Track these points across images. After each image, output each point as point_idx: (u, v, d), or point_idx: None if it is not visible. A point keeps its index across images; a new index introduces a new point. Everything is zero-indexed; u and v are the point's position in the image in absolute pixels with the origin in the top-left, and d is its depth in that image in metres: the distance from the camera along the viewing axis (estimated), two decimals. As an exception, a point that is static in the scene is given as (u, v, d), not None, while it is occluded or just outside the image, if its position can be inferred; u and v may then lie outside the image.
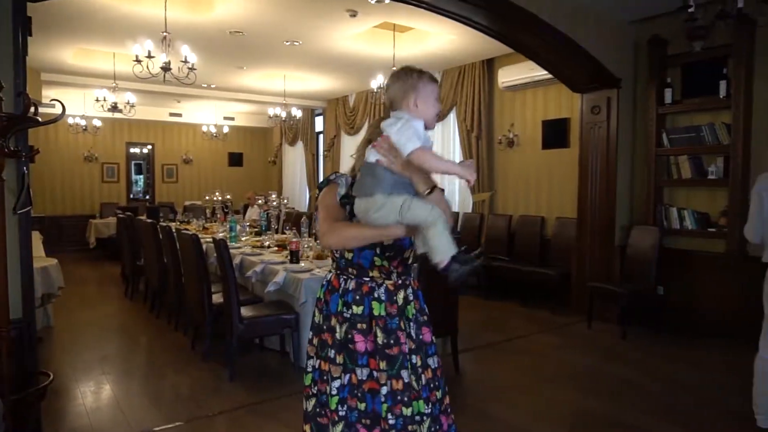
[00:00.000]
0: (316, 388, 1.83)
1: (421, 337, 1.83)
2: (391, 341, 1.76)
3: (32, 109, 2.35)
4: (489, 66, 7.45)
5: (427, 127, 1.66)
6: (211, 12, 5.60)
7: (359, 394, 1.75)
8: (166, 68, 5.19)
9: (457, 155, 8.09)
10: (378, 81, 6.90)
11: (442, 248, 1.55)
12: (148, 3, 5.34)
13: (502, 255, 6.78)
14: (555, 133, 6.66)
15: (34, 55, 7.21)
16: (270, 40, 6.62)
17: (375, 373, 1.75)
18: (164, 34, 5.17)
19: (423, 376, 1.81)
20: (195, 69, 5.57)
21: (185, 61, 5.34)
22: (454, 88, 7.86)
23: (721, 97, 4.79)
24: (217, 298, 4.33)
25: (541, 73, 6.26)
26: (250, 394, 3.68)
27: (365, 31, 6.37)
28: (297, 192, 12.26)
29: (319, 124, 11.78)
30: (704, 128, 4.92)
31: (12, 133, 2.28)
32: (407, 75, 1.68)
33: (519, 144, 7.16)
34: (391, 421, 1.72)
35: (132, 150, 12.30)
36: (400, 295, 1.81)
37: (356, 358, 1.76)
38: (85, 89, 9.29)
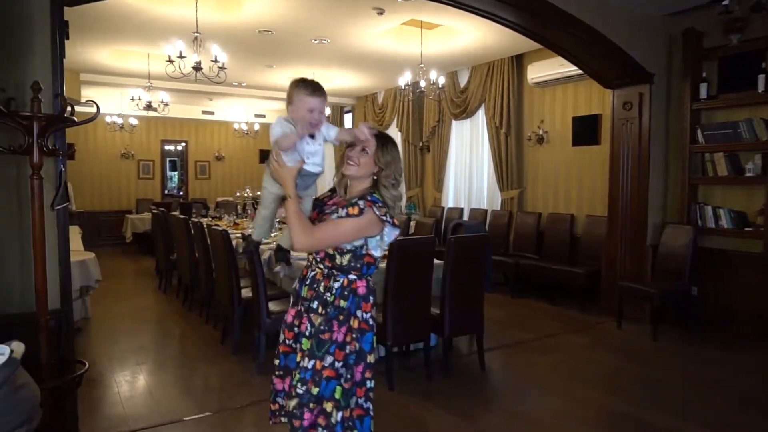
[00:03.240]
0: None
1: (321, 329, 1.94)
2: (302, 320, 2.01)
3: (69, 109, 2.46)
4: (518, 62, 7.37)
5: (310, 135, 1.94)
6: (240, 12, 5.70)
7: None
8: (197, 68, 5.32)
9: (485, 151, 8.04)
10: (406, 78, 6.91)
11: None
12: (180, 4, 5.47)
13: (531, 253, 6.71)
14: (585, 130, 6.55)
15: (72, 56, 7.47)
16: (298, 38, 6.70)
17: (288, 341, 2.06)
18: (195, 34, 5.29)
19: (304, 359, 1.96)
20: (225, 68, 5.68)
21: (215, 61, 5.45)
22: (483, 84, 7.80)
23: (760, 91, 4.62)
24: (246, 292, 4.43)
25: (571, 69, 6.17)
26: (276, 387, 3.75)
27: (393, 28, 6.39)
28: (328, 188, 12.37)
29: (348, 121, 11.86)
30: (741, 124, 4.76)
31: (50, 133, 2.39)
32: (291, 85, 1.96)
33: (548, 141, 7.07)
34: (299, 391, 1.93)
35: (167, 147, 12.62)
36: (322, 286, 1.97)
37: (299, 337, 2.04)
38: (122, 89, 9.58)
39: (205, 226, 5.22)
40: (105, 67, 8.29)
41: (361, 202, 1.91)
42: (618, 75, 5.38)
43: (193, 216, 7.92)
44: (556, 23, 4.69)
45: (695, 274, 5.02)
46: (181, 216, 6.39)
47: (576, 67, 5.82)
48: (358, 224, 1.90)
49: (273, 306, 4.09)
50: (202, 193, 12.78)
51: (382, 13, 5.63)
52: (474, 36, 6.54)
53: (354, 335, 1.96)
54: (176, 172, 12.96)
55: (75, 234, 6.72)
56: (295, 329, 2.02)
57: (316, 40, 6.74)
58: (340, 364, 1.93)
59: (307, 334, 1.95)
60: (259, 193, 7.94)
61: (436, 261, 3.99)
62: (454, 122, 8.64)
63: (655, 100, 5.30)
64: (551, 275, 6.19)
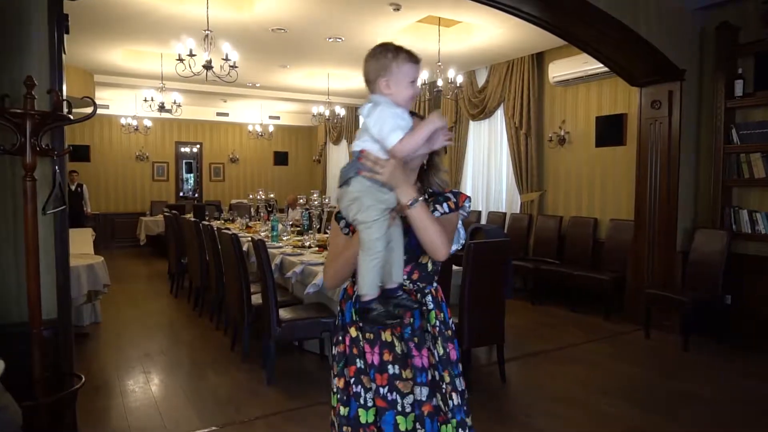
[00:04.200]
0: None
1: (446, 352, 1.65)
2: (411, 351, 1.62)
3: (66, 107, 2.31)
4: (539, 60, 7.13)
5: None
6: (252, 9, 5.56)
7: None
8: (207, 66, 5.18)
9: (504, 153, 7.80)
10: (422, 77, 6.72)
11: (363, 281, 1.48)
12: (191, 2, 5.35)
13: (552, 258, 6.47)
14: (610, 130, 6.29)
15: (86, 57, 7.42)
16: (312, 36, 6.54)
17: (381, 390, 1.60)
18: (206, 32, 5.16)
19: (452, 396, 1.63)
20: (236, 67, 5.54)
21: (226, 59, 5.31)
22: (502, 83, 7.57)
23: (801, 88, 4.35)
24: (256, 298, 4.27)
25: (595, 67, 5.94)
26: (287, 400, 3.58)
27: (409, 25, 6.20)
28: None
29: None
30: (780, 123, 4.49)
31: (44, 132, 2.24)
32: (382, 53, 1.53)
33: (571, 141, 6.82)
34: None
35: (182, 149, 12.58)
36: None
37: (367, 371, 1.63)
38: (136, 90, 9.53)
39: (215, 229, 5.08)
40: (119, 68, 8.23)
41: (451, 195, 1.65)
42: (646, 72, 5.12)
43: (206, 218, 7.81)
44: (582, 17, 4.46)
45: (729, 282, 4.75)
46: (192, 219, 6.28)
47: (600, 65, 5.59)
48: (458, 218, 1.65)
49: (283, 313, 3.92)
50: (216, 195, 12.72)
51: (398, 9, 5.44)
52: (493, 33, 6.32)
53: (455, 345, 1.71)
54: (192, 174, 12.91)
55: (87, 237, 6.64)
56: (392, 369, 1.60)
57: (330, 38, 6.58)
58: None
59: (438, 368, 1.63)
60: (272, 195, 7.76)
61: (454, 267, 3.79)
62: (471, 123, 8.42)
63: (685, 98, 5.03)
64: (573, 281, 5.94)
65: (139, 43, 7.08)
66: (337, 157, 12.60)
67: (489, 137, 8.15)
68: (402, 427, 1.57)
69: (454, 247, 1.72)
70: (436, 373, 1.63)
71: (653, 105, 5.17)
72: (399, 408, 1.58)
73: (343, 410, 1.64)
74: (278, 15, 5.73)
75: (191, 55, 5.10)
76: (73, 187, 9.75)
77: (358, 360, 1.63)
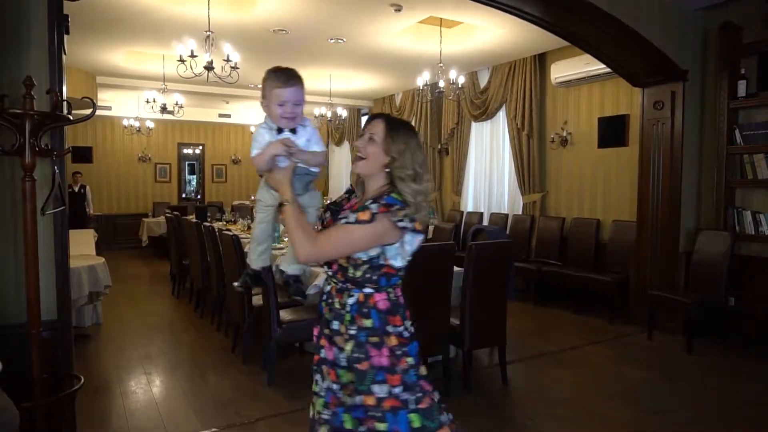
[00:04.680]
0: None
1: (355, 356, 1.67)
2: (321, 343, 1.79)
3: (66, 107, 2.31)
4: (541, 61, 7.11)
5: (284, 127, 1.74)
6: (253, 10, 5.56)
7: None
8: (209, 67, 5.18)
9: (506, 154, 7.78)
10: (424, 78, 6.71)
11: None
12: (193, 3, 5.35)
13: (554, 259, 6.45)
14: (612, 131, 6.27)
15: (88, 58, 7.43)
16: (314, 37, 6.54)
17: (314, 368, 1.83)
18: (207, 33, 5.15)
19: (357, 396, 1.67)
20: (238, 68, 5.54)
21: (228, 60, 5.31)
22: (504, 84, 7.56)
23: (805, 88, 4.33)
24: (257, 300, 4.26)
25: (597, 67, 5.92)
26: (288, 401, 3.57)
27: (411, 26, 6.20)
28: (343, 192, 12.21)
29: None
30: (784, 123, 4.46)
31: (43, 132, 2.23)
32: (264, 77, 1.74)
33: (573, 143, 6.80)
34: (325, 417, 1.75)
35: (185, 151, 12.58)
36: (336, 302, 1.73)
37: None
38: (138, 91, 9.54)
39: (216, 230, 5.07)
40: (121, 70, 8.24)
41: (373, 206, 1.62)
42: (649, 73, 5.10)
43: (208, 219, 7.81)
44: (583, 17, 4.44)
45: (732, 284, 4.72)
46: (194, 220, 6.28)
47: (602, 66, 5.58)
48: (369, 232, 1.60)
49: (285, 314, 3.91)
50: (219, 196, 12.72)
51: (399, 10, 5.43)
52: (495, 34, 6.31)
53: (399, 352, 1.69)
54: (194, 176, 12.92)
55: (89, 238, 6.64)
56: (321, 352, 1.77)
57: (332, 39, 6.57)
58: (400, 389, 1.66)
59: (340, 364, 1.70)
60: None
61: (456, 268, 3.77)
62: (473, 124, 8.40)
63: (688, 99, 5.01)
64: (576, 283, 5.93)
65: (141, 45, 7.08)
66: (340, 158, 12.59)
67: (491, 138, 8.13)
68: (317, 407, 1.78)
69: (399, 263, 1.70)
70: (338, 370, 1.70)
71: (656, 106, 5.15)
72: (317, 389, 1.78)
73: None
74: (279, 16, 5.72)
75: (192, 56, 5.10)
76: (76, 189, 9.77)
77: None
